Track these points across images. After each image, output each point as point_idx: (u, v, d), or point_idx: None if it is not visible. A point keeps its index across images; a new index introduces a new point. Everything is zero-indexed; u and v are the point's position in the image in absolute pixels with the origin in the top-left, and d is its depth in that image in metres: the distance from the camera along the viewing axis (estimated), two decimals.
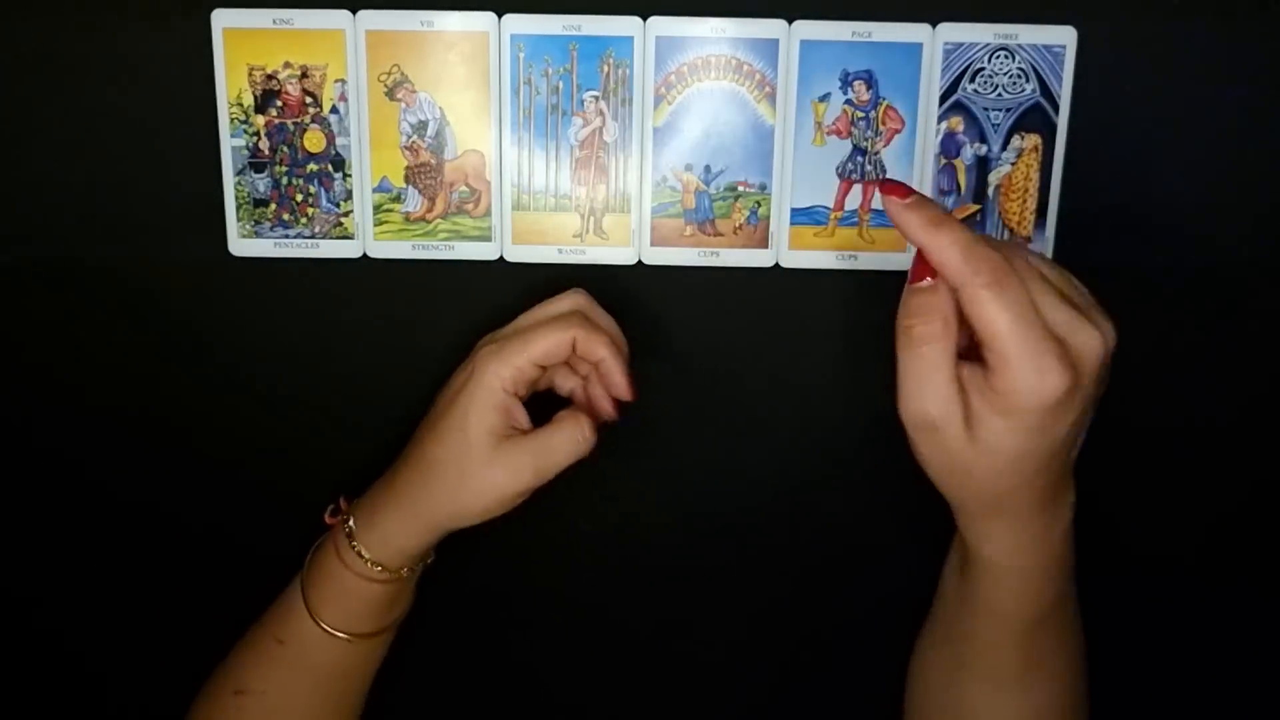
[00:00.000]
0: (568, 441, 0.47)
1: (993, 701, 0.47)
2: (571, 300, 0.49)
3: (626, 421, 0.55)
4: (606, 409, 0.49)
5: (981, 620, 0.46)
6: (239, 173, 0.52)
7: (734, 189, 0.52)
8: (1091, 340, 0.39)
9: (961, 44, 0.51)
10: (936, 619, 0.50)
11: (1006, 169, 0.52)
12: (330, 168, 0.52)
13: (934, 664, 0.50)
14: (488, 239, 0.53)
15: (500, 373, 0.46)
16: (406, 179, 0.52)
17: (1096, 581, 0.58)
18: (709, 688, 0.59)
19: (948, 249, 0.38)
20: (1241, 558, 0.58)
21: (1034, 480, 0.40)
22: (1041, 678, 0.47)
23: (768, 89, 0.51)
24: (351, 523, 0.48)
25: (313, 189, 0.52)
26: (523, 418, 0.48)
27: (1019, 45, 0.51)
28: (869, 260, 0.53)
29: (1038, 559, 0.43)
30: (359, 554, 0.47)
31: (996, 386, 0.38)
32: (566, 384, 0.51)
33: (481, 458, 0.46)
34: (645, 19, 0.51)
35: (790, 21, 0.51)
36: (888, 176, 0.47)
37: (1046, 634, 0.46)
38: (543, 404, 0.50)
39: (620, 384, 0.48)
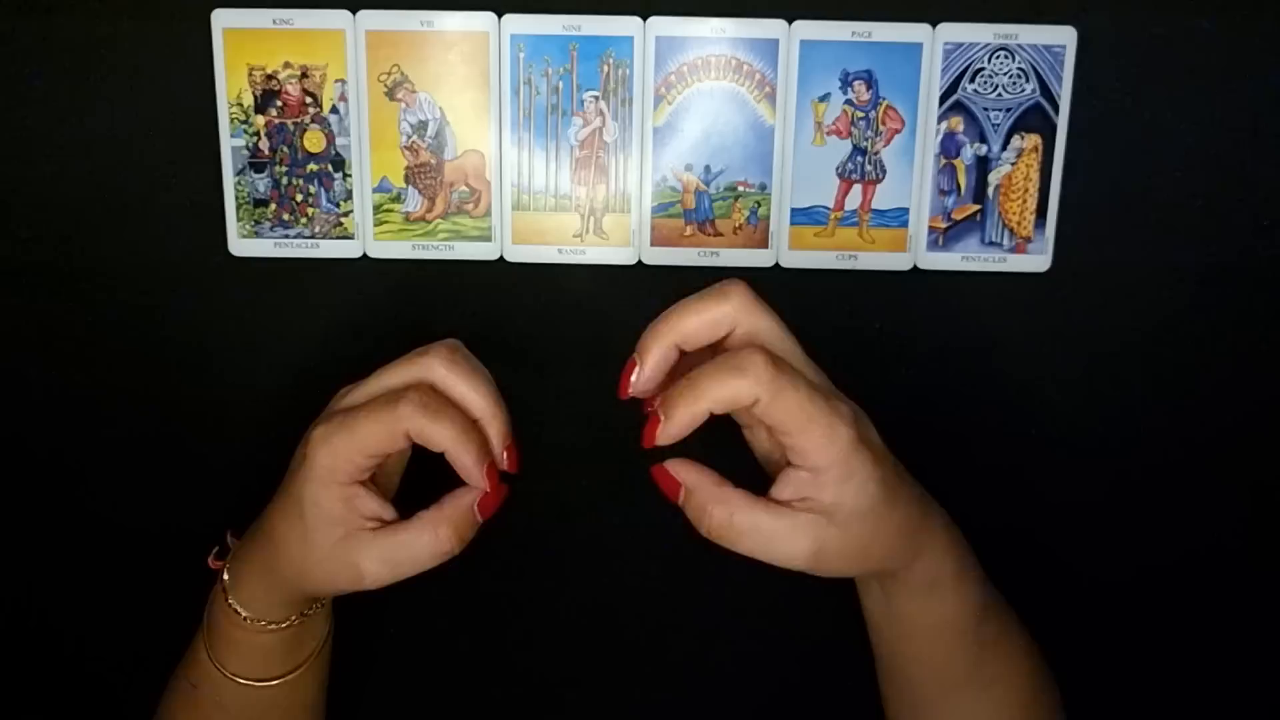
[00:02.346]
0: (422, 547, 0.41)
1: (955, 710, 0.47)
2: (412, 371, 0.42)
3: (627, 420, 0.55)
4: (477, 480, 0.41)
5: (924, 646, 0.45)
6: (239, 173, 0.52)
7: (734, 189, 0.52)
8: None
9: (961, 44, 0.51)
10: (876, 654, 0.49)
11: (1006, 169, 0.52)
12: (330, 168, 0.52)
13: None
14: (488, 239, 0.53)
15: (331, 465, 0.40)
16: (406, 179, 0.52)
17: (1097, 583, 0.58)
18: (708, 689, 0.59)
19: (725, 384, 0.39)
20: (1242, 559, 0.58)
21: (898, 520, 0.41)
22: (997, 672, 0.47)
23: (768, 89, 0.51)
24: (226, 576, 0.44)
25: (313, 189, 0.52)
26: (374, 505, 0.41)
27: (1019, 45, 0.51)
28: (869, 260, 0.53)
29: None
30: (242, 615, 0.44)
31: (808, 465, 0.39)
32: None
33: (325, 547, 0.41)
34: (645, 19, 0.51)
35: (790, 21, 0.51)
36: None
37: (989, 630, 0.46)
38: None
39: (474, 474, 0.41)
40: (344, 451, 0.40)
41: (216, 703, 0.46)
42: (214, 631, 0.45)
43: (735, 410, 0.41)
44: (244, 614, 0.44)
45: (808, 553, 0.40)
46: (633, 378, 0.41)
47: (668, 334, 0.41)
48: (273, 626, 0.44)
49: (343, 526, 0.41)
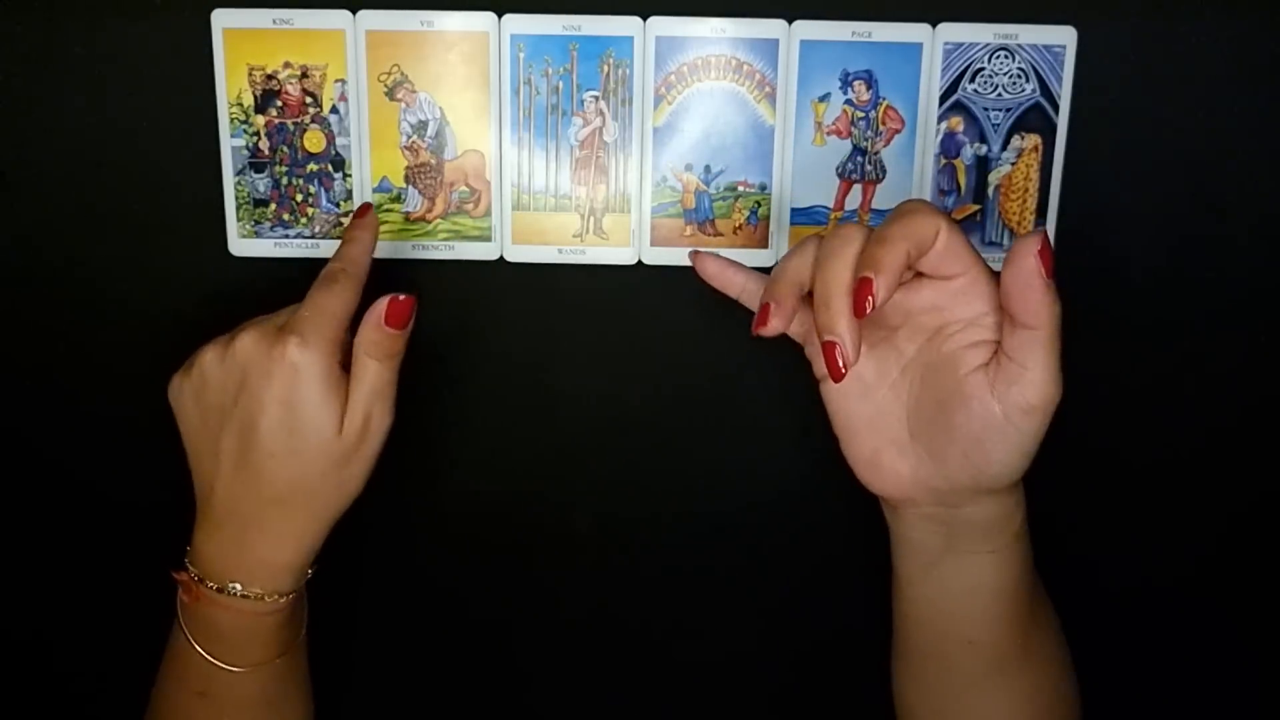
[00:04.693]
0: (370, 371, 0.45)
1: (995, 691, 0.46)
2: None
3: (626, 420, 0.55)
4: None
5: (985, 603, 0.44)
6: (239, 173, 0.52)
7: (734, 189, 0.52)
8: None
9: (961, 44, 0.51)
10: (912, 648, 0.48)
11: (1006, 169, 0.52)
12: (330, 168, 0.52)
13: (919, 692, 0.48)
14: (488, 239, 0.53)
15: (325, 360, 0.43)
16: (406, 179, 0.52)
17: (1095, 584, 0.58)
18: (708, 690, 0.59)
19: (907, 223, 0.38)
20: (1243, 559, 0.58)
21: None
22: (1035, 649, 0.46)
23: (768, 89, 0.51)
24: (239, 584, 0.45)
25: (313, 189, 0.52)
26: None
27: (1019, 45, 0.51)
28: None
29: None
30: (258, 599, 0.45)
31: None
32: None
33: (343, 445, 0.44)
34: (645, 19, 0.51)
35: (790, 21, 0.51)
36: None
37: (1036, 599, 0.46)
38: None
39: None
40: (330, 333, 0.44)
41: (230, 699, 0.47)
42: (220, 638, 0.46)
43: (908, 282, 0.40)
44: (262, 593, 0.45)
45: (1053, 396, 0.38)
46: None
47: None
48: (291, 598, 0.46)
49: (341, 409, 0.44)
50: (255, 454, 0.44)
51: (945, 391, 0.40)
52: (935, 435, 0.41)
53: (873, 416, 0.43)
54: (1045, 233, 0.38)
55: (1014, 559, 0.43)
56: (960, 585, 0.44)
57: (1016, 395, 0.38)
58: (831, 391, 0.44)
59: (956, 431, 0.40)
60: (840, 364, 0.37)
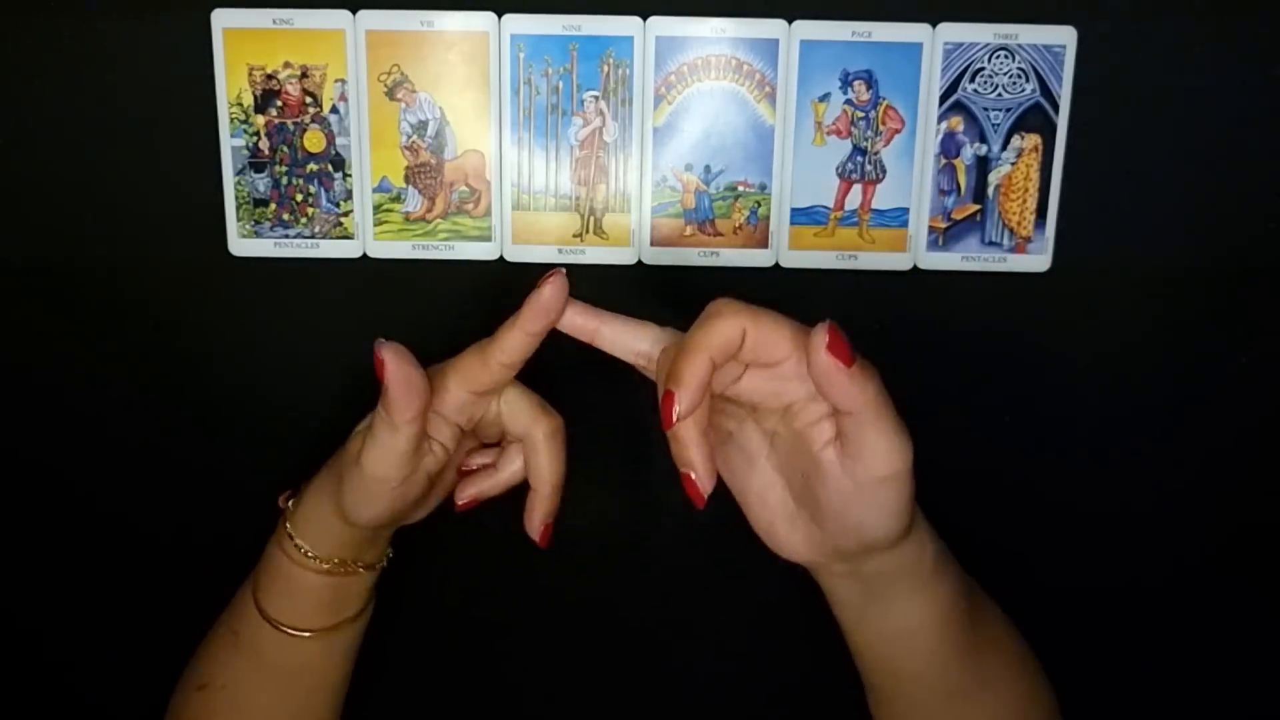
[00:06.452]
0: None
1: (957, 716, 0.46)
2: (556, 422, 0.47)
3: (626, 419, 0.55)
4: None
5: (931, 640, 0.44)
6: (239, 173, 0.52)
7: (734, 189, 0.52)
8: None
9: (961, 44, 0.51)
10: (870, 684, 0.48)
11: (1006, 169, 0.52)
12: (330, 168, 0.52)
13: None
14: (488, 239, 0.53)
15: (464, 398, 0.45)
16: (406, 179, 0.52)
17: (1095, 585, 0.58)
18: (707, 689, 0.59)
19: (706, 329, 0.38)
20: (1243, 560, 0.58)
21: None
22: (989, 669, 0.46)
23: (768, 89, 0.51)
24: (290, 506, 0.47)
25: (313, 189, 0.52)
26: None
27: (1019, 45, 0.51)
28: (869, 260, 0.53)
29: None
30: (294, 541, 0.46)
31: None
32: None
33: (348, 459, 0.44)
34: (645, 19, 0.51)
35: (790, 21, 0.51)
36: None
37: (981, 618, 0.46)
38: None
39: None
40: (484, 379, 0.44)
41: (254, 651, 0.48)
42: (265, 574, 0.47)
43: (736, 387, 0.40)
44: (301, 544, 0.46)
45: (905, 466, 0.38)
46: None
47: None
48: (322, 566, 0.46)
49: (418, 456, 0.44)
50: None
51: (806, 466, 0.40)
52: (810, 505, 0.41)
53: (761, 490, 0.43)
54: (831, 323, 0.37)
55: (940, 595, 0.43)
56: (892, 628, 0.44)
57: (863, 471, 0.38)
58: (722, 467, 0.43)
59: (824, 503, 0.40)
60: (699, 492, 0.39)
